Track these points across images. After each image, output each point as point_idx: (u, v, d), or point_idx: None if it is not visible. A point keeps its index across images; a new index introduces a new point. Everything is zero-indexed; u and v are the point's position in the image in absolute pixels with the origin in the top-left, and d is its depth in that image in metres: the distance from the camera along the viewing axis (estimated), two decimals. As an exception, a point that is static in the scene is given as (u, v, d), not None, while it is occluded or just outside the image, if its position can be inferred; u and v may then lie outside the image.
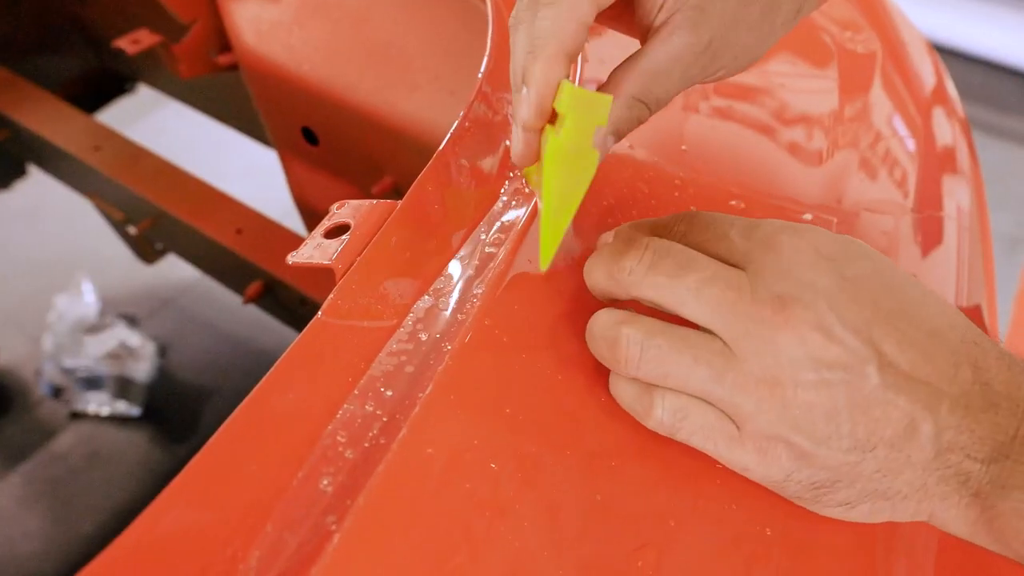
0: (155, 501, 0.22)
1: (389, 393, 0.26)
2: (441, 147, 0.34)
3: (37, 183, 1.11)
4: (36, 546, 1.07)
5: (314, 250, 0.28)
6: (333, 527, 0.22)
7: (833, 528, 0.28)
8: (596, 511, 0.26)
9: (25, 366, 1.26)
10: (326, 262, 0.28)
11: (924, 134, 0.54)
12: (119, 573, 0.21)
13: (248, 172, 1.25)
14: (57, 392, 1.20)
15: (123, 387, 1.19)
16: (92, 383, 1.18)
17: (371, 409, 0.26)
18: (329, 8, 0.59)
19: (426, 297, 0.29)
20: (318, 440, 0.25)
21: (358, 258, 0.28)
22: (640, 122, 0.29)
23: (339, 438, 0.25)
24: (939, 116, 0.59)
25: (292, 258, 0.28)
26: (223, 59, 0.64)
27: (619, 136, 0.29)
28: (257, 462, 0.24)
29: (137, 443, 1.19)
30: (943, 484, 0.26)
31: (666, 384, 0.27)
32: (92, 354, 1.20)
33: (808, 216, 0.40)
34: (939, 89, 0.62)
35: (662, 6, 0.28)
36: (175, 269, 1.36)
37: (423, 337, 0.28)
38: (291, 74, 0.58)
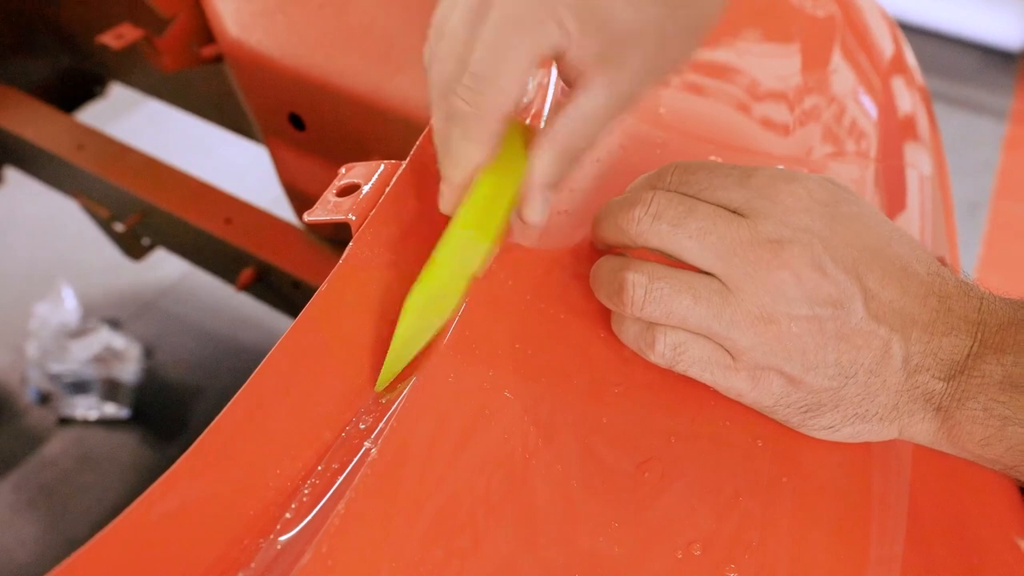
0: (220, 420, 0.24)
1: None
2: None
3: (6, 193, 1.10)
4: (32, 552, 1.07)
5: (329, 208, 0.30)
6: (370, 446, 0.24)
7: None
8: (603, 431, 0.29)
9: (9, 375, 1.25)
10: (342, 217, 0.30)
11: (884, 101, 0.57)
12: (208, 470, 0.23)
13: (219, 174, 1.25)
14: (44, 398, 1.20)
15: (111, 389, 1.19)
16: (79, 387, 1.18)
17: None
18: (310, -5, 0.60)
19: None
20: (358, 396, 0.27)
21: (372, 211, 0.30)
22: (574, 169, 0.30)
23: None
24: (899, 84, 0.62)
25: (308, 216, 0.30)
26: (206, 51, 0.65)
27: (557, 189, 0.31)
28: (302, 399, 0.26)
29: (127, 444, 1.19)
30: (912, 403, 0.29)
31: (668, 323, 0.29)
32: (78, 358, 1.19)
33: (780, 167, 0.43)
34: (898, 57, 0.65)
35: (576, 67, 0.28)
36: (154, 272, 1.36)
37: None
38: (276, 62, 0.59)
